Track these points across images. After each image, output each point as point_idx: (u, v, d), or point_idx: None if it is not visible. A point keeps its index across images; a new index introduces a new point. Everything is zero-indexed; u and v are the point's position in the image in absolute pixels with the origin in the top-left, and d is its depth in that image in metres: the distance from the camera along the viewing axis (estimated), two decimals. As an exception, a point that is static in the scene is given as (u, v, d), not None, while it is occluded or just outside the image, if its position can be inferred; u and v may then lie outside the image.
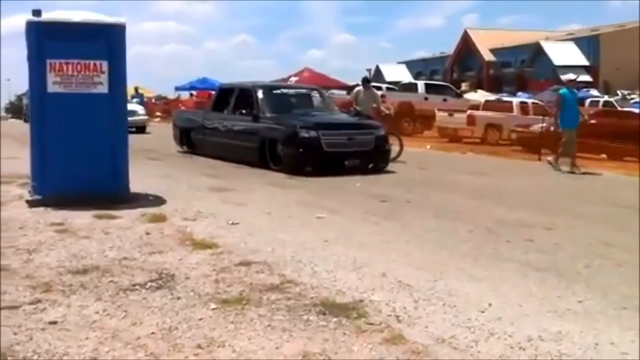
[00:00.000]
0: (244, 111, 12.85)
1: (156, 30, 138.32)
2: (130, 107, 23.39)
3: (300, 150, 11.49)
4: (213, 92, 33.69)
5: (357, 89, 16.18)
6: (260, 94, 12.85)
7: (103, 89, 7.65)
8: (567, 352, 3.60)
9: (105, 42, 7.66)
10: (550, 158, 13.85)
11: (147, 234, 6.18)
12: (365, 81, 16.09)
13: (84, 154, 7.60)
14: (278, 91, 13.79)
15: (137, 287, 4.55)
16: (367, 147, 11.92)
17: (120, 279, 4.73)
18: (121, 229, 6.37)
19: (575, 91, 14.38)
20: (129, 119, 20.72)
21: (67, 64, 7.50)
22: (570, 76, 14.13)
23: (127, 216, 6.95)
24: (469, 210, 8.39)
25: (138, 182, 8.29)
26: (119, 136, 7.88)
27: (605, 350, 3.68)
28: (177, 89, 42.32)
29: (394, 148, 13.63)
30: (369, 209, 8.19)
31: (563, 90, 14.00)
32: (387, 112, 16.04)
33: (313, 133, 11.51)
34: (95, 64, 7.60)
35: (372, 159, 12.11)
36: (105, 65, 7.63)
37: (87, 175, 7.55)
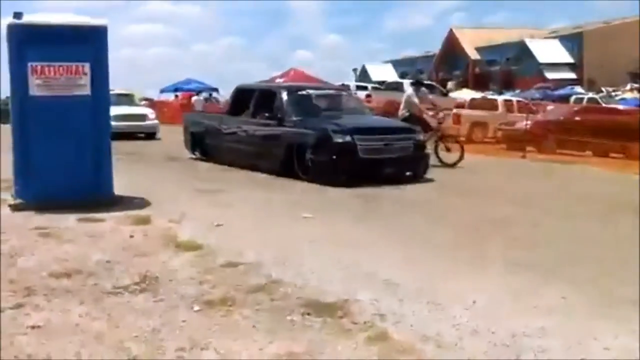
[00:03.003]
0: (266, 114, 11.55)
1: (143, 32, 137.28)
2: (140, 110, 22.38)
3: (334, 157, 10.13)
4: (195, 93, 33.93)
5: (408, 92, 14.30)
6: (284, 96, 11.63)
7: (85, 91, 7.61)
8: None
9: (87, 44, 7.61)
10: None
11: (131, 236, 6.15)
12: (417, 83, 15.19)
13: (67, 157, 7.56)
14: (304, 92, 12.34)
15: (120, 290, 4.53)
16: (405, 153, 10.74)
17: (103, 282, 4.70)
18: (105, 232, 6.33)
19: None
20: (139, 123, 20.58)
21: (49, 66, 7.44)
22: None
23: (110, 219, 6.91)
24: (454, 208, 8.41)
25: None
26: (102, 138, 7.83)
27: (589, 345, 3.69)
28: (162, 91, 42.14)
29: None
30: (353, 208, 8.19)
31: None
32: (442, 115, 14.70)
33: (348, 138, 10.22)
34: (77, 67, 7.56)
35: (411, 167, 10.96)
36: (87, 67, 7.58)
37: (70, 179, 7.50)
